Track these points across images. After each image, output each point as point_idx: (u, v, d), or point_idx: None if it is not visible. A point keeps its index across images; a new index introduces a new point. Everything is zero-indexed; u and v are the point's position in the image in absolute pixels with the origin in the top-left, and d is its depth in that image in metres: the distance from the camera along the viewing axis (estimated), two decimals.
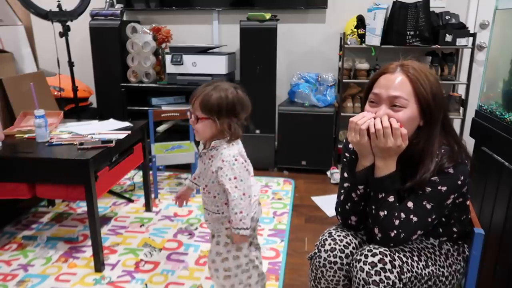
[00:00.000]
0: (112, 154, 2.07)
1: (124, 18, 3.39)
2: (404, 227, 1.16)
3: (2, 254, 2.10)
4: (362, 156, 1.22)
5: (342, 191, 1.32)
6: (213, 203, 1.43)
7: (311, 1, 3.36)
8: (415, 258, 1.20)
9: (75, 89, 2.79)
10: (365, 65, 3.17)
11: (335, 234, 1.31)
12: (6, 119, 2.27)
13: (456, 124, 3.12)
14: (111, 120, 2.38)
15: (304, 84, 3.28)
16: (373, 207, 1.20)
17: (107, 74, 3.27)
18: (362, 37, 3.09)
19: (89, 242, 2.04)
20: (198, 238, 2.27)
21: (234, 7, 3.44)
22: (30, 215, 2.52)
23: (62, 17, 2.63)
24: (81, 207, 2.62)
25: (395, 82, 1.16)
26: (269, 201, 2.74)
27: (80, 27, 3.11)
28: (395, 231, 1.16)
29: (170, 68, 3.17)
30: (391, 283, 1.12)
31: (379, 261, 1.14)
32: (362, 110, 1.24)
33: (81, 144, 1.94)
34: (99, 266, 1.96)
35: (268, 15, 3.04)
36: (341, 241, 1.28)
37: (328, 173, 3.18)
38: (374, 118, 1.16)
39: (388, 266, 1.13)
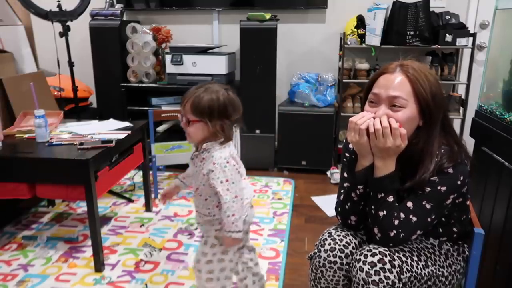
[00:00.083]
0: (112, 154, 2.07)
1: (124, 18, 3.39)
2: (404, 227, 1.16)
3: (2, 254, 2.10)
4: (361, 156, 1.22)
5: (342, 191, 1.32)
6: (204, 205, 1.42)
7: (311, 1, 3.36)
8: (415, 258, 1.20)
9: (75, 89, 2.79)
10: (365, 65, 3.17)
11: (335, 234, 1.31)
12: (6, 119, 2.27)
13: (456, 124, 3.12)
14: (111, 120, 2.38)
15: (304, 84, 3.28)
16: (373, 207, 1.20)
17: (107, 74, 3.27)
18: (362, 37, 3.09)
19: (89, 242, 2.04)
20: (198, 238, 2.27)
21: (234, 7, 3.44)
22: (30, 215, 2.52)
23: (62, 17, 2.63)
24: (81, 207, 2.62)
25: (395, 82, 1.16)
26: (269, 201, 2.74)
27: (80, 27, 3.11)
28: (394, 231, 1.16)
29: (170, 68, 3.17)
30: (390, 283, 1.12)
31: (379, 261, 1.14)
32: (362, 110, 1.24)
33: (81, 144, 1.94)
34: (99, 266, 1.96)
35: (268, 15, 3.04)
36: (341, 241, 1.28)
37: (328, 173, 3.18)
38: (374, 118, 1.16)
39: (388, 266, 1.13)
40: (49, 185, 1.90)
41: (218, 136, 1.35)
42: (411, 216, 1.16)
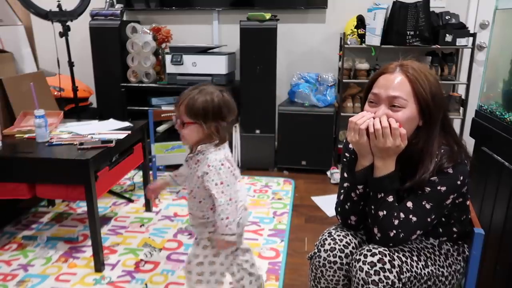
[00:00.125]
0: (112, 154, 2.07)
1: (124, 18, 3.39)
2: (404, 227, 1.16)
3: (2, 254, 2.10)
4: (361, 156, 1.22)
5: (342, 191, 1.33)
6: (198, 208, 1.41)
7: (311, 1, 3.36)
8: (415, 258, 1.20)
9: (75, 89, 2.80)
10: (365, 65, 3.17)
11: (334, 234, 1.31)
12: (6, 119, 2.27)
13: (456, 124, 3.12)
14: (111, 120, 2.38)
15: (304, 84, 3.28)
16: (372, 207, 1.20)
17: (107, 74, 3.27)
18: (362, 37, 3.09)
19: (89, 242, 2.04)
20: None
21: (234, 7, 3.44)
22: (30, 215, 2.52)
23: (62, 17, 2.63)
24: (81, 207, 2.62)
25: (394, 82, 1.16)
26: (269, 201, 2.74)
27: (80, 27, 3.11)
28: (394, 231, 1.16)
29: (170, 68, 3.17)
30: (390, 283, 1.12)
31: (379, 261, 1.14)
32: (362, 110, 1.24)
33: (81, 144, 1.94)
34: (99, 266, 1.96)
35: (268, 15, 3.04)
36: (341, 241, 1.28)
37: (328, 173, 3.18)
38: (374, 118, 1.16)
39: (388, 266, 1.13)
40: (49, 185, 1.90)
41: (213, 138, 1.35)
42: (411, 216, 1.16)
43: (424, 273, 1.20)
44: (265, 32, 3.04)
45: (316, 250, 1.30)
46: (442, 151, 1.18)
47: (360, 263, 1.16)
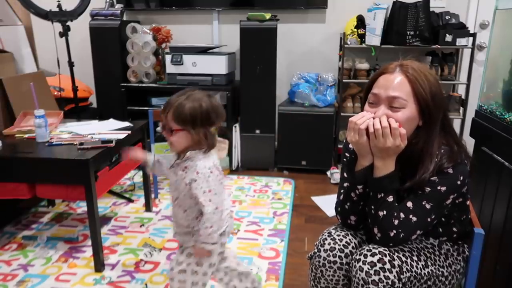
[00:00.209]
0: (112, 154, 2.07)
1: (124, 18, 3.39)
2: (404, 227, 1.16)
3: (2, 254, 2.11)
4: (361, 156, 1.22)
5: (342, 190, 1.33)
6: (183, 217, 1.39)
7: (311, 1, 3.36)
8: (415, 258, 1.20)
9: (75, 89, 2.80)
10: (365, 65, 3.17)
11: (334, 233, 1.31)
12: (6, 119, 2.27)
13: (456, 124, 3.12)
14: (111, 120, 2.38)
15: (304, 84, 3.28)
16: (372, 207, 1.20)
17: (107, 74, 3.27)
18: (362, 37, 3.09)
19: (89, 242, 2.04)
20: None
21: (234, 7, 3.44)
22: (30, 215, 2.52)
23: (62, 17, 2.63)
24: (81, 207, 2.62)
25: (394, 83, 1.16)
26: (269, 201, 2.74)
27: (80, 27, 3.11)
28: (394, 231, 1.16)
29: (170, 68, 3.17)
30: (390, 283, 1.12)
31: (378, 260, 1.14)
32: (362, 110, 1.24)
33: (81, 144, 1.94)
34: (99, 266, 1.96)
35: (268, 15, 3.04)
36: (341, 240, 1.28)
37: (328, 173, 3.18)
38: (373, 118, 1.16)
39: (388, 266, 1.13)
40: (49, 185, 1.90)
41: (201, 144, 1.32)
42: (411, 216, 1.16)
43: (424, 273, 1.20)
44: (265, 32, 3.04)
45: (316, 250, 1.30)
46: (442, 151, 1.18)
47: (360, 263, 1.16)
